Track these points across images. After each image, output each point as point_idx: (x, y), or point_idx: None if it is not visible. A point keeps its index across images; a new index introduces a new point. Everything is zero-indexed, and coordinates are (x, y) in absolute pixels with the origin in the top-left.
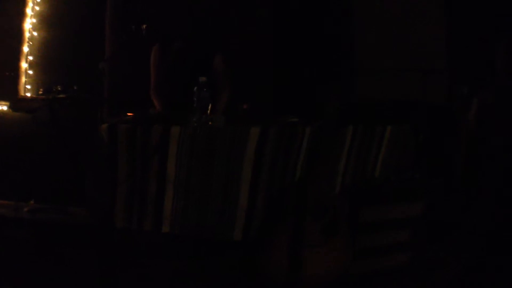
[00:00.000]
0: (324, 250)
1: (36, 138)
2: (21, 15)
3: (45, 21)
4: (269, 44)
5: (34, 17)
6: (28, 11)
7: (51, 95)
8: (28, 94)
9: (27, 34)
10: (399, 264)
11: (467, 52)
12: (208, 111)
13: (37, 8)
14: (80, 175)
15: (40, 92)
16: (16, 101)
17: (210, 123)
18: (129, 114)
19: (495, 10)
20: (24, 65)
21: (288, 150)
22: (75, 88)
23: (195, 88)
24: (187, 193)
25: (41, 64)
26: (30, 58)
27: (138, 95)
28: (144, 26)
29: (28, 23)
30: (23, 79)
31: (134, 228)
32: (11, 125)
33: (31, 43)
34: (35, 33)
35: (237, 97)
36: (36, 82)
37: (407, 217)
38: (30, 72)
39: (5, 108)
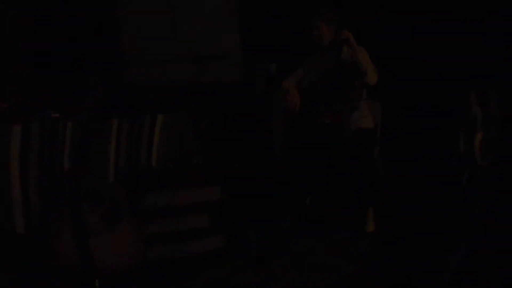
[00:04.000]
0: (109, 237)
1: None
2: None
3: None
4: (27, 36)
5: None
6: None
7: None
8: None
9: None
10: (208, 250)
11: (260, 34)
12: None
13: None
14: None
15: None
16: None
17: None
18: None
19: None
20: None
21: (52, 144)
22: None
23: None
24: None
25: None
26: None
27: None
28: None
29: None
30: None
31: None
32: None
33: None
34: None
35: None
36: None
37: (202, 203)
38: None
39: None
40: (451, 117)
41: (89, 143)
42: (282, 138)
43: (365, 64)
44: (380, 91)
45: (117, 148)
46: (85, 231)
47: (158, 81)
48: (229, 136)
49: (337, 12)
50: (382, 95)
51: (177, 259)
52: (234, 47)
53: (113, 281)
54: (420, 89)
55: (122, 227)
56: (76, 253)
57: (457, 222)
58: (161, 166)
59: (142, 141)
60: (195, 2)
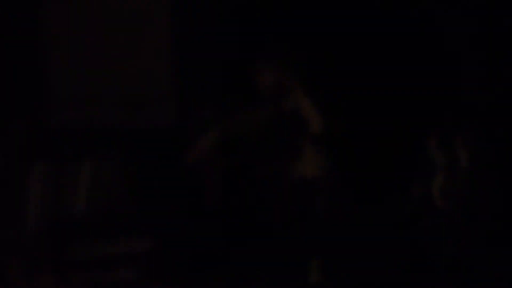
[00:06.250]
0: None
1: None
2: None
3: None
4: None
5: None
6: None
7: None
8: None
9: None
10: None
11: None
12: None
13: None
14: None
15: None
16: None
17: None
18: None
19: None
20: None
21: None
22: None
23: None
24: None
25: None
26: None
27: None
28: None
29: None
30: None
31: None
32: None
33: None
34: None
35: None
36: None
37: (130, 254)
38: None
39: None
40: (406, 161)
41: (8, 188)
42: (215, 188)
43: (309, 112)
44: (330, 134)
45: (39, 195)
46: (5, 281)
47: (86, 124)
48: (161, 183)
49: (291, 59)
50: (332, 138)
51: None
52: (168, 90)
53: None
54: (375, 131)
55: (44, 278)
56: None
57: (410, 271)
58: (87, 215)
59: (66, 188)
60: (128, 41)
